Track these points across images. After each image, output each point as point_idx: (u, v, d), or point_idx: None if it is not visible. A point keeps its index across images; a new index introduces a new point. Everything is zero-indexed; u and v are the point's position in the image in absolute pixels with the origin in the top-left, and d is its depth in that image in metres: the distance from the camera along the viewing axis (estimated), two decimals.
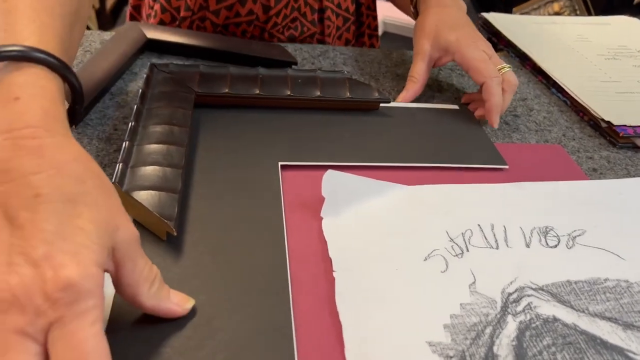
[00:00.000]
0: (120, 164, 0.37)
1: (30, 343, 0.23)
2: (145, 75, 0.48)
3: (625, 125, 0.53)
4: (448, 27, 0.54)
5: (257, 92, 0.48)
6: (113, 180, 0.36)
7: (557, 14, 1.73)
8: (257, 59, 0.59)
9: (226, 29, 0.67)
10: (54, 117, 0.28)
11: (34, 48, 0.29)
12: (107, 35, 0.62)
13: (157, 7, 0.68)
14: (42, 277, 0.23)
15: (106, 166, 0.43)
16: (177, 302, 0.30)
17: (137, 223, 0.36)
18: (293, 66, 0.58)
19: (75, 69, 0.33)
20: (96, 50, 0.58)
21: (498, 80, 0.50)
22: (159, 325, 0.30)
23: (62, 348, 0.23)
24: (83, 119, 0.47)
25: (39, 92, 0.28)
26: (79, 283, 0.23)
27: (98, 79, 0.50)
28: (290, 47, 0.64)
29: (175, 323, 0.30)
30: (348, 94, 0.50)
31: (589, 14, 1.68)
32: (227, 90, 0.48)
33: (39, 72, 0.29)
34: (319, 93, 0.49)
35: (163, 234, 0.35)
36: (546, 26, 0.75)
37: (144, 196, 0.35)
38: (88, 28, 2.22)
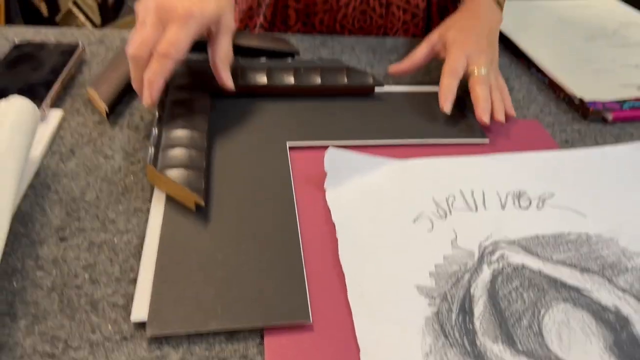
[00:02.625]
0: (152, 148, 0.44)
1: None
2: None
3: (595, 101, 0.59)
4: (459, 29, 0.59)
5: (265, 81, 0.55)
6: (148, 161, 0.43)
7: None
8: (262, 51, 0.65)
9: (307, 17, 0.75)
10: None
11: None
12: (126, 33, 0.68)
13: None
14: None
15: (137, 150, 0.49)
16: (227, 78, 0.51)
17: (170, 197, 0.43)
18: (296, 56, 0.64)
19: (100, 67, 0.52)
20: (117, 49, 0.65)
21: (449, 74, 0.55)
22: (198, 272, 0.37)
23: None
24: (114, 109, 0.54)
25: None
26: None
27: (124, 74, 0.56)
28: (292, 38, 0.70)
29: (205, 274, 0.37)
30: (346, 80, 0.56)
31: None
32: (239, 81, 0.54)
33: None
34: (320, 81, 0.56)
35: (192, 205, 0.41)
36: (527, 10, 0.81)
37: (175, 174, 0.42)
38: (92, 23, 2.23)
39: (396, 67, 0.60)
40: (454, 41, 0.58)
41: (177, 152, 0.44)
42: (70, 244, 0.40)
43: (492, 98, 0.55)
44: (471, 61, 0.57)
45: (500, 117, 0.54)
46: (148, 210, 0.43)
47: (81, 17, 2.34)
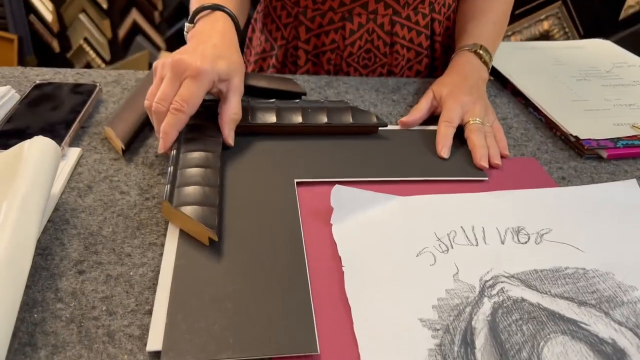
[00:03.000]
0: (169, 185, 0.46)
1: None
2: None
3: (590, 139, 0.61)
4: (451, 85, 0.65)
5: (274, 120, 0.57)
6: (164, 198, 0.45)
7: (546, 31, 1.83)
8: (271, 91, 0.68)
9: (316, 57, 0.79)
10: (230, 28, 0.59)
11: (222, 5, 0.60)
12: (141, 74, 0.71)
13: (262, 37, 0.85)
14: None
15: (152, 187, 0.51)
16: (229, 135, 0.55)
17: (183, 232, 0.45)
18: (303, 97, 0.67)
19: (116, 106, 0.62)
20: (132, 88, 0.68)
21: (446, 124, 0.60)
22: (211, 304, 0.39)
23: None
24: (130, 146, 0.56)
25: (227, 18, 0.60)
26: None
27: (139, 113, 0.59)
28: (299, 79, 0.73)
29: (218, 306, 0.39)
30: (351, 120, 0.59)
31: (577, 31, 1.78)
32: (249, 120, 0.57)
33: (226, 16, 0.60)
34: (326, 120, 0.58)
35: (206, 240, 0.43)
36: (526, 52, 0.84)
37: (189, 210, 0.44)
38: (102, 59, 2.28)
39: (404, 121, 0.63)
40: (449, 95, 0.63)
41: (192, 190, 0.46)
42: (88, 276, 0.42)
43: (487, 144, 0.59)
44: (466, 111, 0.62)
45: (497, 161, 0.58)
46: (162, 245, 0.45)
47: (91, 54, 2.41)
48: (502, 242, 0.48)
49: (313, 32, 0.77)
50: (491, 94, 0.74)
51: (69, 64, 2.43)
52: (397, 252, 0.46)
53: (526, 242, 0.48)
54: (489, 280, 0.44)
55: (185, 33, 0.61)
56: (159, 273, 0.42)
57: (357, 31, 0.76)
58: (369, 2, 0.74)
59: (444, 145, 0.59)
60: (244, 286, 0.41)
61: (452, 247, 0.47)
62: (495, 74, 0.78)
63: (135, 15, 2.27)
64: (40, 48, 2.43)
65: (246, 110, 0.58)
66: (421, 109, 0.64)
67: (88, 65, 2.44)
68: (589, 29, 1.77)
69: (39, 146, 0.44)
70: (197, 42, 0.55)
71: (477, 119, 0.61)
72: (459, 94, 0.63)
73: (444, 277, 0.44)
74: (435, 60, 0.83)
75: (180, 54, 0.52)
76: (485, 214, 0.51)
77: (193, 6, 0.63)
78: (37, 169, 0.43)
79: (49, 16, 2.34)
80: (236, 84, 0.55)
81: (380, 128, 0.61)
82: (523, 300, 0.42)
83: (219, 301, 0.39)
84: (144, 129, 0.60)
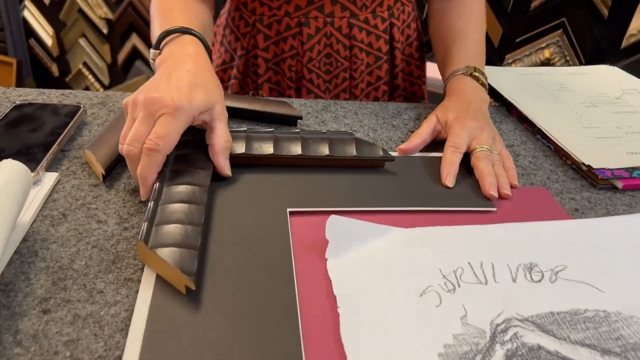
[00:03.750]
0: (146, 223, 0.42)
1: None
2: None
3: (604, 168, 0.58)
4: (457, 109, 0.61)
5: (271, 152, 0.53)
6: (140, 237, 0.40)
7: (547, 60, 1.82)
8: (266, 114, 0.64)
9: (277, 65, 0.78)
10: (201, 52, 0.55)
11: (189, 28, 0.56)
12: (128, 95, 0.68)
13: (222, 49, 0.83)
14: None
15: (132, 215, 0.47)
16: (224, 166, 0.51)
17: (159, 277, 0.40)
18: (304, 127, 0.64)
19: (101, 129, 0.57)
20: (119, 110, 0.64)
21: (452, 149, 0.57)
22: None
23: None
24: (111, 171, 0.52)
25: (196, 42, 0.56)
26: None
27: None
28: (296, 103, 0.70)
29: (196, 353, 0.34)
30: (355, 152, 0.55)
31: (578, 59, 1.77)
32: (243, 151, 0.53)
33: (192, 37, 0.56)
34: (327, 152, 0.54)
35: (183, 288, 0.39)
36: (531, 77, 0.81)
37: (166, 253, 0.39)
38: (101, 84, 2.29)
39: (405, 148, 0.60)
40: (456, 119, 0.60)
41: (172, 229, 0.42)
42: (53, 316, 0.37)
43: (496, 172, 0.55)
44: (473, 138, 0.58)
45: (506, 191, 0.54)
46: (139, 281, 0.41)
47: (90, 78, 2.40)
48: (514, 280, 0.44)
49: (271, 40, 0.76)
50: (496, 120, 0.71)
51: (67, 88, 2.41)
52: (399, 291, 0.41)
53: (540, 281, 0.44)
54: (501, 324, 0.39)
55: (151, 60, 0.56)
56: (132, 313, 0.38)
57: (315, 35, 0.75)
58: (325, 4, 0.73)
59: (449, 173, 0.55)
60: (227, 331, 0.36)
61: (459, 286, 0.42)
62: (500, 99, 0.75)
63: (135, 40, 2.26)
64: (39, 72, 2.42)
65: (241, 139, 0.55)
66: (422, 134, 0.60)
67: (86, 89, 2.42)
68: (590, 57, 1.75)
69: (6, 170, 0.40)
70: (169, 68, 0.51)
71: (485, 147, 0.57)
72: (466, 118, 0.60)
73: (450, 320, 0.39)
74: (395, 68, 0.82)
75: (153, 89, 0.48)
76: (494, 249, 0.47)
77: (155, 31, 0.59)
78: (2, 195, 0.39)
79: (49, 40, 2.33)
80: (219, 111, 0.51)
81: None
82: (539, 347, 0.38)
83: (198, 348, 0.35)
84: None
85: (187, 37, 0.56)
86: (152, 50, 0.56)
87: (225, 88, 0.84)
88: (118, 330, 0.37)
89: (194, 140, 0.53)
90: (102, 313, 0.38)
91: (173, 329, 0.36)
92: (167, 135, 0.46)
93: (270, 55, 0.77)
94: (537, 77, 0.81)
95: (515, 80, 0.79)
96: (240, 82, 0.82)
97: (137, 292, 0.40)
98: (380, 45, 0.78)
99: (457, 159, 0.57)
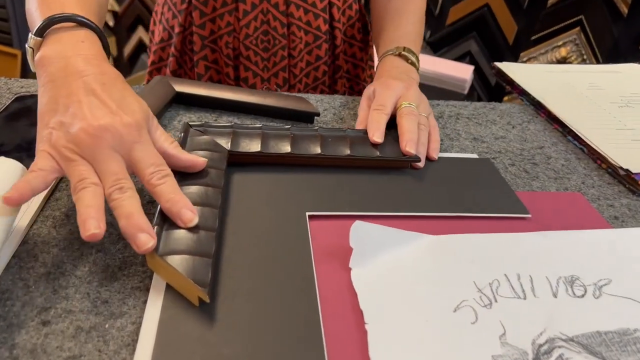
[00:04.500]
0: (155, 227, 0.38)
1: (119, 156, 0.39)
2: (180, 135, 0.50)
3: None
4: (386, 78, 0.60)
5: (289, 150, 0.50)
6: None
7: (564, 58, 1.77)
8: (281, 110, 0.61)
9: (214, 43, 0.75)
10: (103, 55, 0.44)
11: (83, 18, 0.45)
12: (136, 88, 0.65)
13: (160, 27, 0.80)
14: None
15: None
16: (193, 157, 0.44)
17: (169, 286, 0.37)
18: (321, 125, 0.60)
19: None
20: None
21: (377, 110, 0.55)
22: None
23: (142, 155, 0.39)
24: None
25: (95, 40, 0.45)
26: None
27: None
28: (312, 98, 0.67)
29: None
30: (378, 152, 0.51)
31: (596, 58, 1.72)
32: (259, 149, 0.49)
33: (89, 31, 0.45)
34: (348, 152, 0.51)
35: (196, 300, 0.35)
36: (558, 75, 0.77)
37: (177, 261, 0.36)
38: None
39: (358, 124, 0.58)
40: (380, 85, 0.59)
41: (183, 234, 0.38)
42: (53, 329, 0.34)
43: (419, 137, 0.53)
44: (399, 96, 0.57)
45: (421, 150, 0.53)
46: (148, 290, 0.37)
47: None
48: (555, 295, 0.40)
49: (207, 17, 0.74)
50: (524, 120, 0.67)
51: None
52: (431, 305, 0.38)
53: (583, 296, 0.40)
54: (544, 344, 0.36)
55: (28, 48, 0.44)
56: (140, 326, 0.34)
57: (251, 12, 0.72)
58: None
59: (376, 130, 0.53)
60: (243, 349, 0.33)
61: (496, 301, 0.39)
62: (527, 98, 0.71)
63: (141, 33, 2.23)
64: None
65: (256, 137, 0.51)
66: (362, 120, 0.58)
67: None
68: (607, 56, 1.71)
69: (1, 169, 0.37)
70: (76, 82, 0.40)
71: (411, 103, 0.55)
72: (389, 79, 0.59)
73: (488, 340, 0.36)
74: (337, 48, 0.79)
75: (84, 117, 0.38)
76: (532, 259, 0.43)
77: (34, 11, 0.46)
78: None
79: None
80: (151, 116, 0.43)
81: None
82: None
83: None
84: None
85: (83, 32, 0.44)
86: (32, 36, 0.44)
87: (164, 66, 0.82)
88: (124, 345, 0.33)
89: (207, 137, 0.49)
90: (106, 326, 0.34)
91: (184, 345, 0.33)
92: (162, 160, 0.40)
93: (206, 33, 0.75)
94: (565, 75, 0.77)
95: (542, 78, 0.75)
96: (178, 60, 0.79)
97: (145, 302, 0.36)
98: (319, 24, 0.75)
99: (383, 119, 0.54)
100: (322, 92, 0.80)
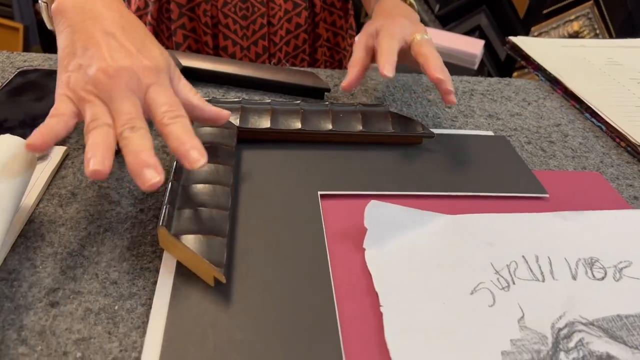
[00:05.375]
0: (167, 206, 0.37)
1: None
2: None
3: None
4: (385, 18, 0.56)
5: (299, 126, 0.48)
6: (160, 223, 0.35)
7: (576, 32, 1.73)
8: (289, 86, 0.59)
9: (192, 11, 0.73)
10: (121, 1, 0.42)
11: None
12: None
13: None
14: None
15: (148, 196, 0.43)
16: (218, 109, 0.42)
17: (179, 266, 0.36)
18: (332, 100, 0.58)
19: None
20: None
21: (388, 37, 0.51)
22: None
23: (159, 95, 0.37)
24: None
25: None
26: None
27: None
28: (321, 73, 0.65)
29: (223, 357, 0.30)
30: (391, 128, 0.50)
31: (609, 32, 1.68)
32: (269, 126, 0.48)
33: None
34: (360, 127, 0.49)
35: (211, 280, 0.34)
36: (575, 50, 0.75)
37: (192, 241, 0.35)
38: None
39: (347, 83, 0.52)
40: (384, 22, 0.54)
41: (197, 213, 0.37)
42: (62, 310, 0.33)
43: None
44: (408, 32, 0.53)
45: (449, 77, 0.49)
46: (157, 270, 0.36)
47: None
48: (574, 278, 0.39)
49: None
50: (540, 97, 0.65)
51: None
52: (447, 288, 0.37)
53: (603, 278, 0.39)
54: (564, 328, 0.35)
55: (42, 3, 0.44)
56: (150, 308, 0.33)
57: None
58: None
59: (387, 61, 0.49)
60: (258, 333, 0.32)
61: (514, 283, 0.38)
62: (543, 74, 0.69)
63: None
64: (46, 38, 2.36)
65: (266, 113, 0.49)
66: (357, 59, 0.53)
67: None
68: (621, 31, 1.67)
69: (4, 147, 0.36)
70: (96, 26, 0.38)
71: (427, 35, 0.52)
72: (395, 16, 0.55)
73: (507, 323, 0.35)
74: (316, 16, 0.77)
75: (103, 59, 0.37)
76: (550, 241, 0.42)
77: None
78: (0, 175, 0.34)
79: None
80: (173, 64, 0.41)
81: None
82: (610, 357, 0.33)
83: (225, 351, 0.31)
84: None
85: None
86: None
87: None
88: (134, 327, 0.33)
89: None
90: (116, 307, 0.34)
91: (197, 330, 0.32)
92: (177, 101, 0.38)
93: (184, 1, 0.72)
94: (582, 51, 0.75)
95: (558, 53, 0.73)
96: (155, 29, 0.77)
97: (154, 283, 0.35)
98: None
99: (395, 47, 0.50)
100: (302, 60, 0.78)
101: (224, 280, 0.34)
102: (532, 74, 0.75)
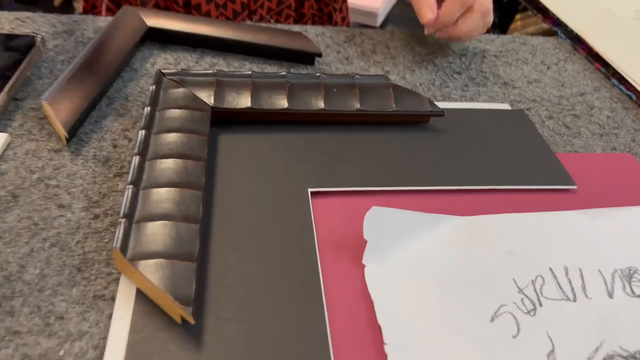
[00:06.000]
0: (123, 221, 0.30)
1: None
2: (151, 87, 0.40)
3: None
4: None
5: (286, 105, 0.41)
6: (114, 244, 0.29)
7: None
8: (275, 50, 0.51)
9: None
10: None
11: None
12: (102, 21, 0.54)
13: None
14: None
15: (105, 196, 0.36)
16: None
17: (140, 293, 0.29)
18: (323, 67, 0.50)
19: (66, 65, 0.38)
20: (89, 41, 0.51)
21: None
22: None
23: None
24: (77, 131, 0.40)
25: None
26: None
27: (93, 81, 0.43)
28: (311, 33, 0.56)
29: None
30: (393, 105, 0.42)
31: None
32: (249, 105, 0.40)
33: None
34: (358, 105, 0.42)
35: (178, 317, 0.28)
36: (598, 1, 0.66)
37: (152, 269, 0.28)
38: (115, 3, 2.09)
39: (428, 23, 0.50)
40: None
41: (159, 228, 0.30)
42: None
43: None
44: None
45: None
46: (114, 299, 0.30)
47: (82, 3, 2.16)
48: (610, 295, 0.33)
49: None
50: (560, 59, 0.57)
51: (69, 10, 2.15)
52: (464, 314, 0.31)
53: None
54: None
55: None
56: (104, 351, 0.27)
57: None
58: None
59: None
60: None
61: (541, 305, 0.32)
62: (564, 30, 0.61)
63: None
64: None
65: (245, 88, 0.42)
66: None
67: (85, 14, 2.19)
68: None
69: None
70: None
71: None
72: None
73: (534, 359, 0.29)
74: None
75: None
76: (580, 247, 0.36)
77: None
78: None
79: None
80: None
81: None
82: None
83: None
84: (98, 103, 0.43)
85: None
86: None
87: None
88: None
89: (184, 91, 0.40)
90: (61, 353, 0.27)
91: None
92: None
93: None
94: (607, 2, 0.66)
95: (580, 5, 0.64)
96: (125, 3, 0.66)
97: (110, 317, 0.29)
98: None
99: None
100: (287, 17, 0.69)
101: (192, 321, 0.27)
102: (536, 16, 0.66)
